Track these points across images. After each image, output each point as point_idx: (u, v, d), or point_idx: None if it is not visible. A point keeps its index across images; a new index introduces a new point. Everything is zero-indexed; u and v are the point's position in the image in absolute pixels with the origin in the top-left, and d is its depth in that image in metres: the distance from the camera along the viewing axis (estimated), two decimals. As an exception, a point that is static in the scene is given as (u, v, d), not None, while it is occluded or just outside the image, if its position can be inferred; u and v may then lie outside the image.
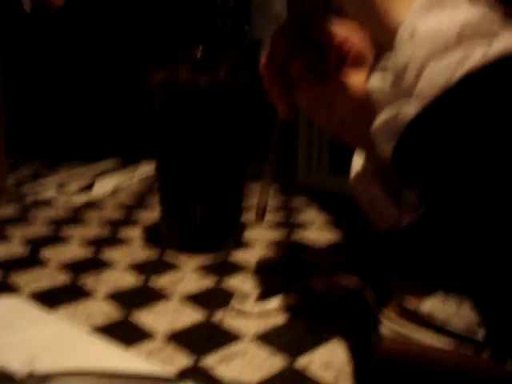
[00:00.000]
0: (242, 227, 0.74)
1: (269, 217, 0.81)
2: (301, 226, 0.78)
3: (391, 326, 0.68)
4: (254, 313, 0.53)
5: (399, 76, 0.41)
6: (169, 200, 0.66)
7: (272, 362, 0.46)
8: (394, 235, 0.77)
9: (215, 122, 0.62)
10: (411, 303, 0.72)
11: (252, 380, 0.43)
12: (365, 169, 0.70)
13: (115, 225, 0.78)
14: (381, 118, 0.43)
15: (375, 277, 0.76)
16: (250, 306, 0.54)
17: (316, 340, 0.49)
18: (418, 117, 0.39)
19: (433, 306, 0.73)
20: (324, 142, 1.88)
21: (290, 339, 0.49)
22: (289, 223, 0.79)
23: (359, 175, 0.71)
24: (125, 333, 0.50)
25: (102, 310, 0.54)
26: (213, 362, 0.45)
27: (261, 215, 0.59)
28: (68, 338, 0.48)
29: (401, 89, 0.41)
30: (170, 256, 0.67)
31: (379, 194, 0.67)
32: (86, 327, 0.50)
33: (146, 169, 1.07)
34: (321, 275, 0.63)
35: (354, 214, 0.72)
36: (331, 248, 0.71)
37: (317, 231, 0.76)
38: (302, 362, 0.46)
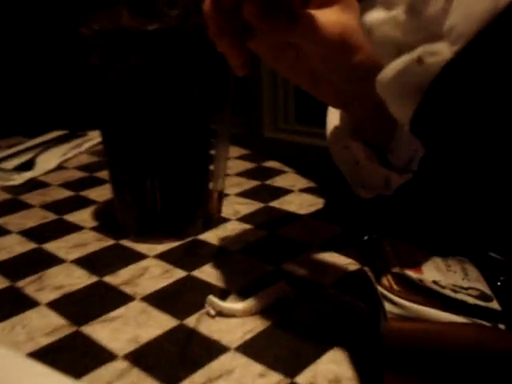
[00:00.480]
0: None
1: (241, 186, 0.71)
2: (278, 194, 0.68)
3: (396, 302, 0.59)
4: (238, 312, 0.42)
5: (418, 4, 0.30)
6: (120, 177, 0.54)
7: (267, 381, 0.36)
8: (384, 200, 0.68)
9: (169, 76, 0.50)
10: (412, 273, 0.63)
11: (245, 413, 0.33)
12: (342, 128, 0.60)
13: (61, 207, 0.66)
14: (393, 67, 0.32)
15: (366, 242, 0.66)
16: (231, 303, 0.43)
17: (317, 346, 0.39)
18: (452, 63, 0.28)
19: (436, 273, 0.64)
20: (289, 92, 1.77)
21: (285, 347, 0.39)
22: (264, 193, 0.69)
23: (335, 136, 0.60)
24: (76, 353, 0.39)
25: (46, 322, 0.43)
26: (191, 388, 0.35)
27: (217, 205, 0.49)
28: (3, 369, 0.37)
29: (421, 23, 0.30)
30: (128, 244, 0.56)
31: (361, 155, 0.57)
32: (25, 350, 0.39)
33: (96, 139, 0.94)
34: (311, 254, 0.53)
35: (336, 178, 0.62)
36: (317, 219, 0.61)
37: (298, 200, 0.66)
38: (305, 378, 0.36)
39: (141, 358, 0.38)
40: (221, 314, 0.43)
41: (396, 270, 0.63)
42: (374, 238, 0.73)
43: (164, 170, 0.53)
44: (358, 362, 0.38)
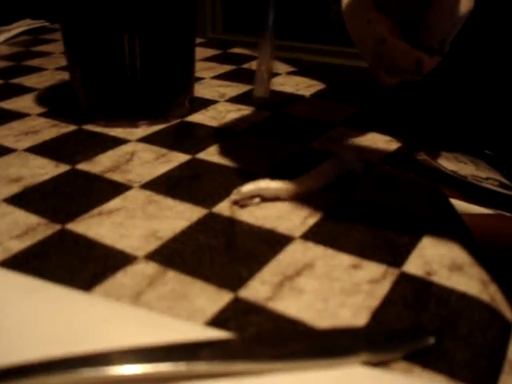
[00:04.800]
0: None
1: (215, 70, 0.58)
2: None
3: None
4: (289, 191, 0.31)
5: None
6: (85, 36, 0.40)
7: (367, 273, 0.25)
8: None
9: None
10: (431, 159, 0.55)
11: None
12: (361, 1, 0.49)
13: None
14: None
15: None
16: (266, 185, 0.32)
17: (407, 229, 0.29)
18: None
19: (449, 163, 0.57)
20: (217, 0, 1.61)
21: (367, 232, 0.29)
22: (245, 76, 0.56)
23: (355, 7, 0.49)
24: (71, 258, 0.27)
25: (12, 222, 0.30)
26: (264, 295, 0.24)
27: (264, 85, 0.37)
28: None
29: None
30: (96, 129, 0.42)
31: (388, 31, 0.47)
32: (-7, 259, 0.27)
33: (14, 30, 0.76)
34: (338, 132, 0.42)
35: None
36: (324, 99, 0.50)
37: (290, 82, 0.54)
38: (416, 266, 0.26)
39: (173, 257, 0.27)
40: (255, 198, 0.31)
41: (420, 156, 0.54)
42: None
43: (146, 22, 0.39)
44: (466, 246, 0.28)
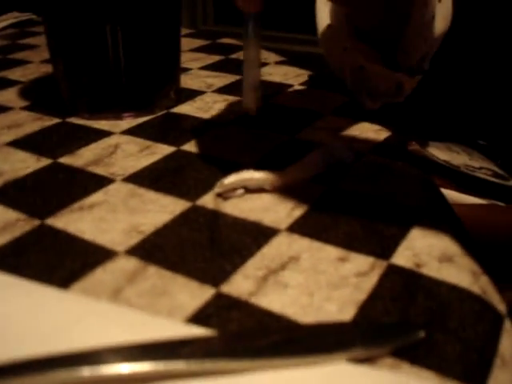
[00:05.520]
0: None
1: (203, 61, 0.57)
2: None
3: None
4: (275, 181, 0.30)
5: None
6: (67, 26, 0.39)
7: (354, 266, 0.24)
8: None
9: None
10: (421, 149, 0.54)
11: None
12: (338, 26, 0.47)
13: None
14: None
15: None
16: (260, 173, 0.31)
17: (395, 219, 0.28)
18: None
19: (441, 153, 0.56)
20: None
21: (355, 223, 0.28)
22: (233, 66, 0.55)
23: (331, 36, 0.48)
24: (49, 254, 0.26)
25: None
26: (247, 290, 0.23)
27: (253, 96, 0.36)
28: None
29: None
30: (80, 121, 0.41)
31: (366, 58, 0.45)
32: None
33: (4, 22, 0.75)
34: (327, 121, 0.41)
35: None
36: (315, 88, 0.49)
37: (279, 71, 0.54)
38: (404, 258, 0.25)
39: (154, 252, 0.26)
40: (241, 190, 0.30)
41: (412, 146, 0.53)
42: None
43: (128, 12, 0.38)
44: (456, 236, 0.27)
